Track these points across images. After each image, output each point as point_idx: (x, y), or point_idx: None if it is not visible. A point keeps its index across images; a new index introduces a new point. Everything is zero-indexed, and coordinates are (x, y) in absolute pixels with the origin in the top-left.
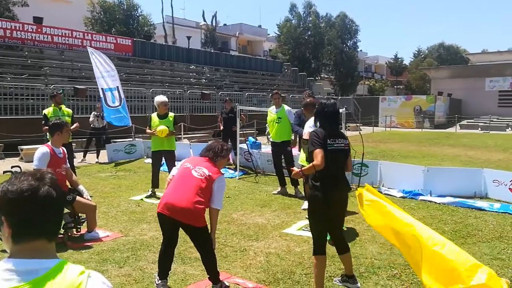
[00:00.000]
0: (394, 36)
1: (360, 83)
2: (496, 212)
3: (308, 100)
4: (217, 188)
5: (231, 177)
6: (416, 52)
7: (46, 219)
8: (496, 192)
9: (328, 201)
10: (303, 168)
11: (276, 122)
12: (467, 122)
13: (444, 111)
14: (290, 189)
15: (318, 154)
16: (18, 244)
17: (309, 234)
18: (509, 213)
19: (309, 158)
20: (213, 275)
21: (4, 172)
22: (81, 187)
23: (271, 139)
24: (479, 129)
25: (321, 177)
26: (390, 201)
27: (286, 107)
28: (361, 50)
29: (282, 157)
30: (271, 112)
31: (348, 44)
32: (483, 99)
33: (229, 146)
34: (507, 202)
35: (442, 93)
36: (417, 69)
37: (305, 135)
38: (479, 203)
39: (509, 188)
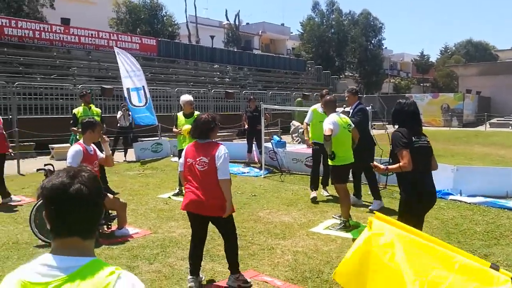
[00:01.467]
0: (420, 33)
1: (385, 81)
2: None
3: (328, 97)
4: (218, 160)
5: (257, 176)
6: (443, 49)
7: (78, 217)
8: None
9: (423, 203)
10: (389, 166)
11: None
12: (497, 120)
13: (472, 109)
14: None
15: (406, 155)
16: (56, 239)
17: (337, 233)
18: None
19: (393, 158)
20: (233, 262)
21: (38, 170)
22: None
23: (314, 139)
24: (510, 127)
25: (413, 178)
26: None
27: None
28: (386, 48)
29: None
30: (318, 111)
31: (373, 41)
32: None
33: (213, 115)
34: None
35: (471, 91)
36: (444, 67)
37: (326, 132)
38: None
39: None
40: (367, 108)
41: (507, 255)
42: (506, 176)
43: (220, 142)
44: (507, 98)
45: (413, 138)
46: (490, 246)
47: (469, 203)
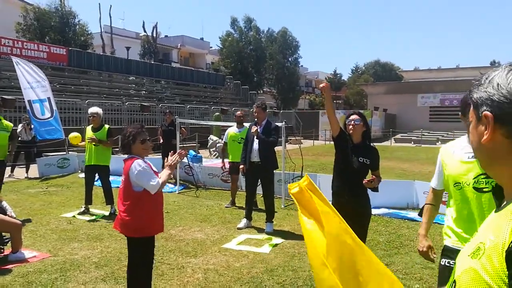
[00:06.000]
0: (333, 52)
1: (301, 97)
2: None
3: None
4: (135, 178)
5: (171, 192)
6: (354, 69)
7: None
8: None
9: None
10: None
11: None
12: (401, 136)
13: (380, 125)
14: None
15: None
16: None
17: (249, 248)
18: (438, 223)
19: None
20: None
21: None
22: (4, 204)
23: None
24: (412, 142)
25: None
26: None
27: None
28: (302, 66)
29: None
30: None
31: (290, 59)
32: (415, 114)
33: (132, 128)
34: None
35: (378, 108)
36: (355, 85)
37: None
38: (411, 214)
39: None
40: (279, 124)
41: (406, 263)
42: (407, 188)
43: (136, 156)
44: (410, 115)
45: None
46: (391, 255)
47: (374, 215)
